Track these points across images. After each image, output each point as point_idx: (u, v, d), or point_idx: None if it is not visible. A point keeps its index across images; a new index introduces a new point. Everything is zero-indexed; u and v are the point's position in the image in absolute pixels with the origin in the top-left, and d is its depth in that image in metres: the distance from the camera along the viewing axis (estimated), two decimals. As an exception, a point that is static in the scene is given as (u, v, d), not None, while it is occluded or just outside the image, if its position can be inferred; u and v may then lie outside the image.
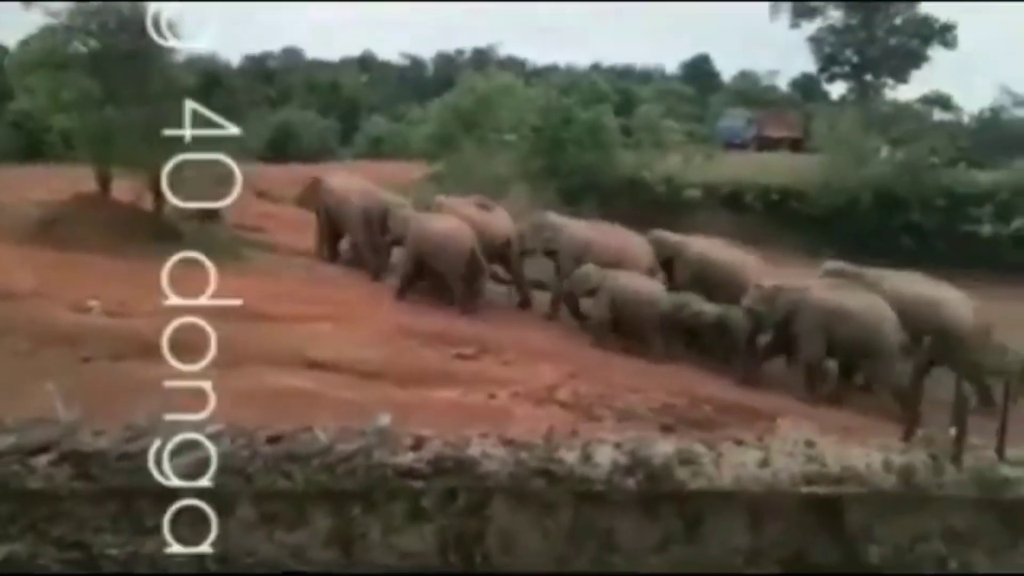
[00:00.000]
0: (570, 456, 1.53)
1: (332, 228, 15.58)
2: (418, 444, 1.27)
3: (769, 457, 1.90)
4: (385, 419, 1.38)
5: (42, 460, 1.22)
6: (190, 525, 1.15)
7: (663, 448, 1.81)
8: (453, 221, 13.21)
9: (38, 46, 17.02)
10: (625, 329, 12.00)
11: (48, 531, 1.11)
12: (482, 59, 58.19)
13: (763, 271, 12.72)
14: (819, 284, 11.62)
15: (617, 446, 1.77)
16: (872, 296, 10.95)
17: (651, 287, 12.18)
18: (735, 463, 1.89)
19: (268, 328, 9.50)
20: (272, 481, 1.18)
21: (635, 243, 13.02)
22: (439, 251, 12.79)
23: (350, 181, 15.95)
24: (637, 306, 11.80)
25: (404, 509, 1.13)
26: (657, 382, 9.67)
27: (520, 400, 8.53)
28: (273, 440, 1.30)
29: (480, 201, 14.50)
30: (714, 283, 12.51)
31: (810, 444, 2.03)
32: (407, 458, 1.22)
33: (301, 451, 1.25)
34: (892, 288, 11.24)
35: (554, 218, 14.10)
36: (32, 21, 17.13)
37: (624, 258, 12.51)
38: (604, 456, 1.65)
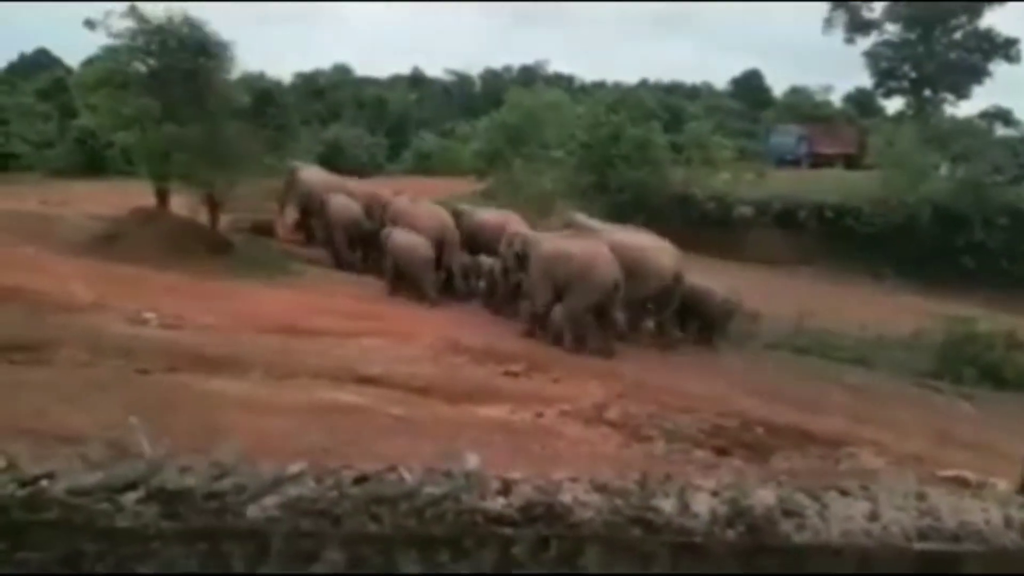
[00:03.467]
0: (667, 504, 1.46)
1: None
2: (507, 488, 1.23)
3: (878, 509, 1.80)
4: (473, 460, 1.35)
5: (130, 497, 1.22)
6: (280, 567, 1.14)
7: (764, 497, 1.72)
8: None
9: (101, 66, 17.73)
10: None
11: (135, 570, 1.11)
12: (529, 76, 58.60)
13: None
14: (550, 234, 13.07)
15: (714, 494, 1.68)
16: (592, 242, 12.32)
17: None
18: (842, 515, 1.80)
19: (319, 342, 9.60)
20: (361, 524, 1.16)
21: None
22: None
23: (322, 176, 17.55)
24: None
25: (494, 558, 1.10)
26: (707, 402, 9.49)
27: (568, 419, 8.44)
28: (360, 481, 1.29)
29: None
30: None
31: (922, 497, 1.92)
32: (496, 504, 1.19)
33: (389, 493, 1.23)
34: (612, 239, 12.61)
35: (581, 219, 14.29)
36: (95, 42, 17.88)
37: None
38: (702, 504, 1.57)
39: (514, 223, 14.44)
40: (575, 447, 7.37)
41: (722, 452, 8.04)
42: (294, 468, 1.40)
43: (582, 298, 11.65)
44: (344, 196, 16.38)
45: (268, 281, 13.33)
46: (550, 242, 12.37)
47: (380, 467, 1.42)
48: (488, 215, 15.40)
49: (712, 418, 8.87)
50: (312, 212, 16.96)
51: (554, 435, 7.77)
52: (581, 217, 14.45)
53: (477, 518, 1.24)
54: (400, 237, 14.02)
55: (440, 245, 14.13)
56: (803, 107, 47.00)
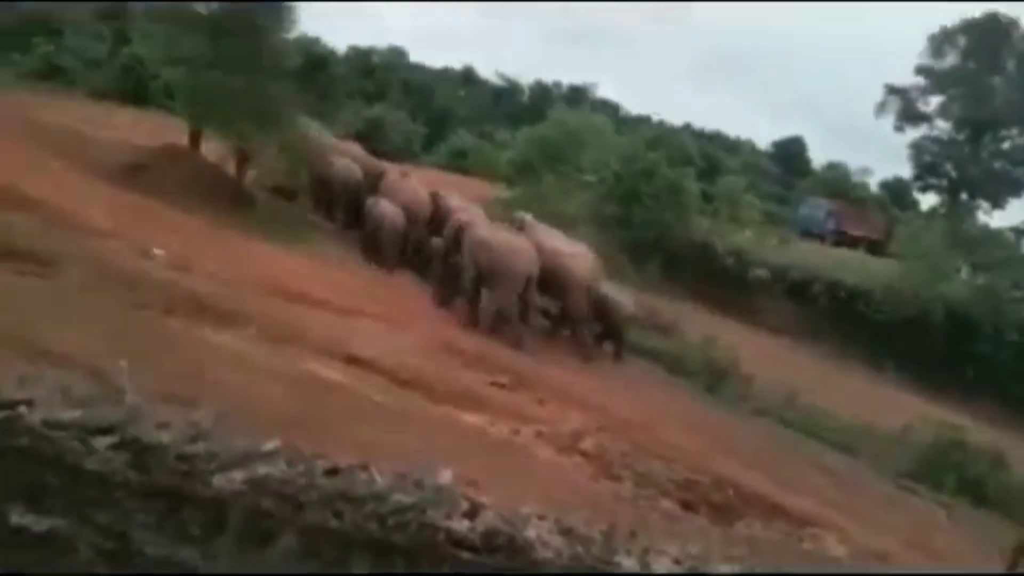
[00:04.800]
0: (627, 561, 1.44)
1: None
2: (473, 511, 1.22)
3: None
4: (446, 476, 1.34)
5: (103, 442, 1.21)
6: (233, 542, 1.13)
7: (724, 572, 1.71)
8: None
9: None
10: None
11: (90, 514, 1.10)
12: (577, 96, 58.76)
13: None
14: (485, 223, 13.96)
15: (677, 562, 1.68)
16: (515, 236, 13.29)
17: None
18: None
19: (318, 314, 9.62)
20: (323, 517, 1.15)
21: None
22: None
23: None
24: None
25: None
26: (684, 453, 9.44)
27: (543, 441, 8.42)
28: (331, 473, 1.28)
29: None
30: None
31: None
32: (461, 525, 1.17)
33: (357, 492, 1.21)
34: (536, 237, 13.65)
35: (529, 220, 14.80)
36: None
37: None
38: (662, 567, 1.57)
39: (460, 209, 15.14)
40: (545, 471, 7.35)
41: (688, 507, 8.00)
42: (268, 446, 1.40)
43: (500, 287, 12.59)
44: (348, 160, 16.73)
45: (280, 244, 13.37)
46: (479, 229, 13.31)
47: (353, 462, 1.41)
48: (456, 202, 15.85)
49: (685, 471, 8.82)
50: (315, 175, 16.97)
51: (527, 455, 7.76)
52: (530, 219, 15.04)
53: (439, 536, 1.24)
54: (382, 206, 14.96)
55: (415, 223, 15.18)
56: (838, 184, 46.91)
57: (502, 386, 9.80)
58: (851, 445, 13.97)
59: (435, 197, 15.94)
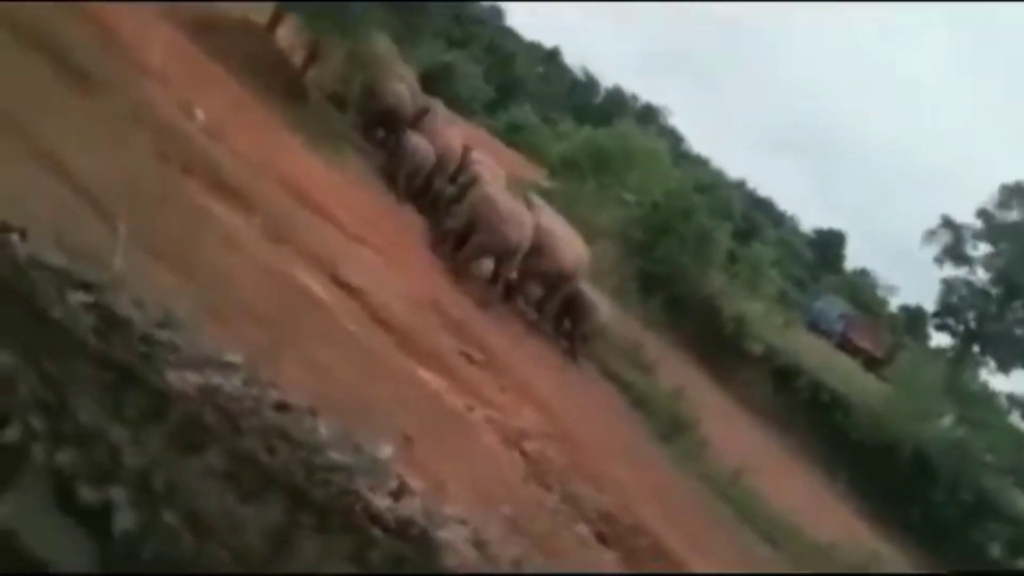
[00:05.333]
0: None
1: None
2: (399, 492, 1.24)
3: None
4: (387, 451, 1.36)
5: (77, 297, 1.22)
6: (166, 441, 1.15)
7: None
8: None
9: None
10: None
11: (39, 360, 1.11)
12: (648, 115, 58.50)
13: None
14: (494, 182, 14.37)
15: None
16: (520, 207, 13.79)
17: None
18: None
19: (323, 227, 9.61)
20: (254, 447, 1.17)
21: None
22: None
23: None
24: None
25: (350, 548, 1.10)
26: (620, 490, 9.49)
27: (491, 428, 8.46)
28: (280, 408, 1.30)
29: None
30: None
31: None
32: (382, 503, 1.19)
33: (296, 436, 1.24)
34: (538, 216, 14.07)
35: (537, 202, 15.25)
36: None
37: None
38: None
39: (483, 165, 15.47)
40: (482, 458, 7.40)
41: (603, 540, 8.07)
42: (230, 357, 1.41)
43: (487, 243, 13.10)
44: (404, 87, 16.75)
45: (315, 148, 13.33)
46: (487, 186, 13.71)
47: (303, 402, 1.43)
48: (483, 160, 16.22)
49: (612, 505, 8.87)
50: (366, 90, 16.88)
51: (471, 436, 7.80)
52: (537, 200, 15.63)
53: (357, 505, 1.25)
54: (413, 139, 15.24)
55: (442, 170, 15.57)
56: (861, 291, 46.89)
57: (472, 360, 9.83)
58: (776, 541, 14.04)
59: (465, 151, 16.27)
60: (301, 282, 7.29)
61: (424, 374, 8.07)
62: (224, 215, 7.39)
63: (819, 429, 23.82)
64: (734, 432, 17.80)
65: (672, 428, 15.24)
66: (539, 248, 13.49)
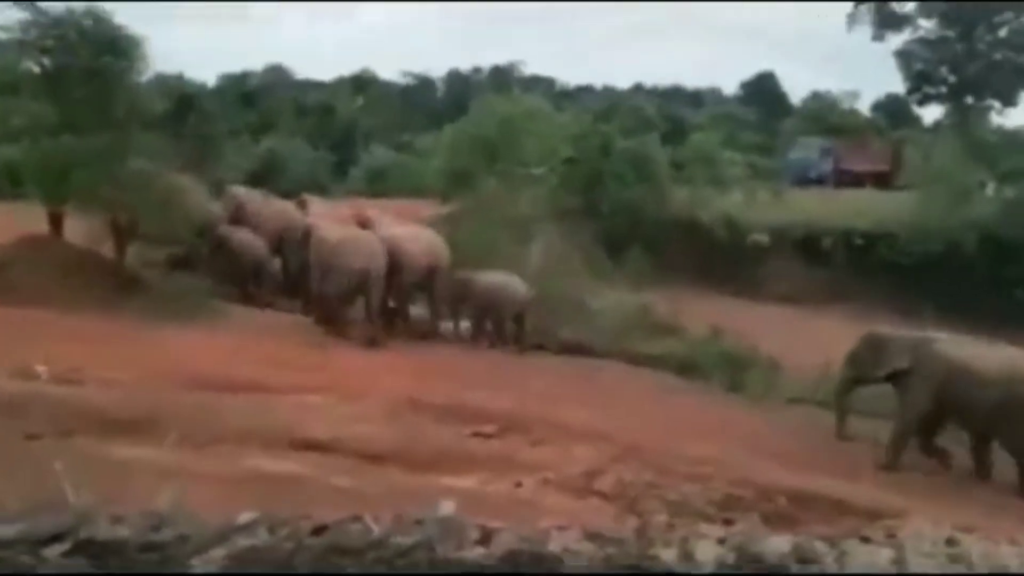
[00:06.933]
0: (667, 553, 1.54)
1: None
2: (486, 537, 1.29)
3: (903, 556, 1.86)
4: (448, 507, 1.40)
5: (55, 550, 1.25)
6: None
7: (777, 545, 1.79)
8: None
9: (-14, 66, 17.59)
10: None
11: None
12: (502, 79, 59.36)
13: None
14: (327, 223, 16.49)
15: (721, 541, 1.76)
16: (357, 232, 15.87)
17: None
18: (862, 563, 1.86)
19: (249, 399, 9.53)
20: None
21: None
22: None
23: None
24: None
25: None
26: (718, 467, 9.52)
27: (552, 489, 8.44)
28: (319, 531, 1.36)
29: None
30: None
31: (952, 542, 1.98)
32: (475, 553, 1.24)
33: (352, 544, 1.29)
34: (378, 230, 16.09)
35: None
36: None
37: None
38: (707, 553, 1.66)
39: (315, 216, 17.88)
40: (561, 522, 7.33)
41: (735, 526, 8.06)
42: (245, 518, 1.43)
43: (330, 282, 14.76)
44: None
45: (186, 324, 13.23)
46: (320, 229, 15.69)
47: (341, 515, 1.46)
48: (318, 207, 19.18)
49: (724, 486, 8.90)
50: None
51: (535, 509, 7.75)
52: (377, 214, 17.90)
53: (453, 569, 1.29)
54: (235, 235, 17.14)
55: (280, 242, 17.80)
56: (826, 117, 48.02)
57: (488, 436, 9.80)
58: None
59: (300, 206, 19.07)
60: (260, 469, 7.22)
61: (448, 480, 8.02)
62: (132, 454, 7.29)
63: (872, 279, 24.20)
64: (792, 336, 17.94)
65: (734, 373, 15.35)
66: (394, 261, 15.08)
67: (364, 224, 17.21)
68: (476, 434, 9.77)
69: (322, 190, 37.05)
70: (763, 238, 25.65)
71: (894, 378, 11.66)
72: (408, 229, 16.83)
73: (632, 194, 25.44)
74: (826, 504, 8.89)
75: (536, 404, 11.27)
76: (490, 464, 8.76)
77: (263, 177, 31.50)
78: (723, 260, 24.75)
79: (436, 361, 13.76)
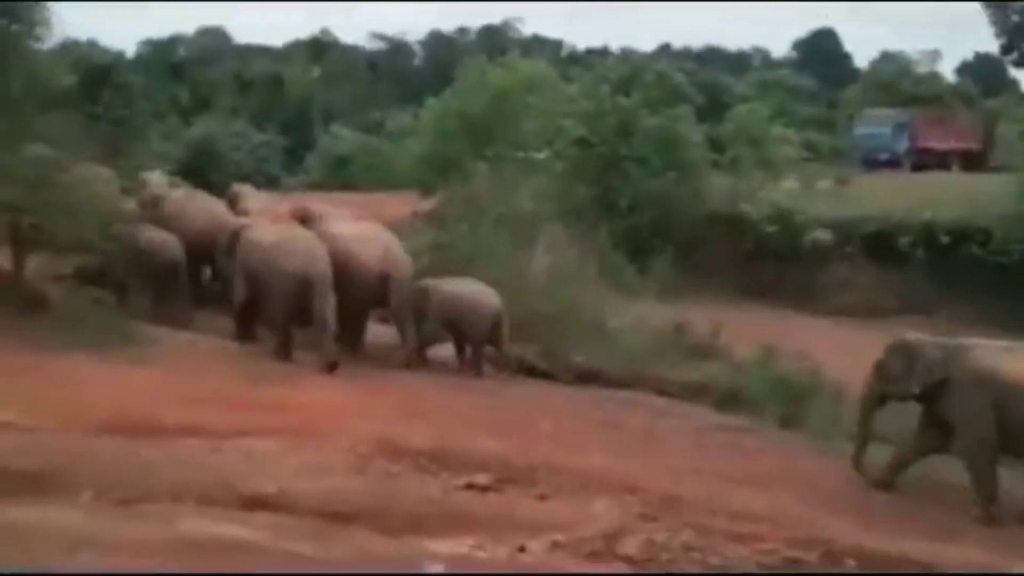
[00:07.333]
0: None
1: None
2: None
3: None
4: (437, 567, 1.41)
5: None
6: None
7: None
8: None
9: None
10: None
11: None
12: (496, 41, 59.57)
13: None
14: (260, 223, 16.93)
15: None
16: (296, 232, 16.16)
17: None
18: None
19: (182, 447, 9.53)
20: None
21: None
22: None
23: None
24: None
25: None
26: (772, 523, 9.54)
27: (563, 554, 8.44)
28: None
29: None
30: None
31: None
32: None
33: None
34: (324, 228, 16.48)
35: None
36: None
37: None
38: None
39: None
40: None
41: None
42: None
43: (269, 290, 15.14)
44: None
45: (102, 352, 13.23)
46: (254, 231, 16.02)
47: None
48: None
49: (780, 548, 8.91)
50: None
51: (543, 579, 7.77)
52: (323, 209, 18.40)
53: None
54: (144, 234, 17.06)
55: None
56: (901, 83, 48.10)
57: (483, 488, 9.80)
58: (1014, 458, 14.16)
59: (233, 199, 19.92)
60: (197, 534, 7.22)
61: (434, 545, 8.02)
62: (37, 516, 7.29)
63: (963, 284, 24.24)
64: (860, 357, 17.90)
65: (788, 404, 15.35)
66: (342, 264, 15.23)
67: (304, 221, 17.36)
68: (468, 486, 9.78)
69: (272, 182, 37.20)
70: (825, 236, 25.67)
71: (927, 394, 11.58)
72: (357, 227, 17.03)
73: (659, 184, 25.46)
74: (912, 568, 8.90)
75: (543, 448, 11.27)
76: (486, 524, 8.75)
77: (197, 167, 31.61)
78: (774, 264, 24.79)
79: (415, 394, 13.74)
